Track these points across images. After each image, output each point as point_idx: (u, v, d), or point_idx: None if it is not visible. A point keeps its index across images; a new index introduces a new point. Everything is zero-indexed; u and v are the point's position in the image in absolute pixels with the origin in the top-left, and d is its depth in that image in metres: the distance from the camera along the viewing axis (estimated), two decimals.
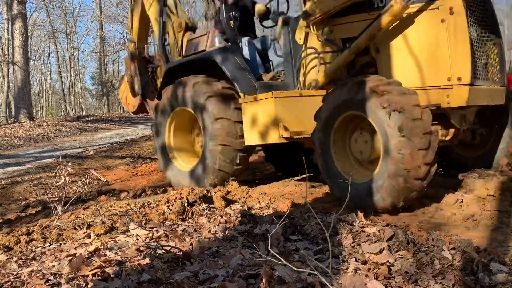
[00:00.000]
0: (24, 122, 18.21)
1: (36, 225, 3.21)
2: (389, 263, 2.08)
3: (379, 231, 2.41)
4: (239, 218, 2.99)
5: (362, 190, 3.26)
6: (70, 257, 2.30)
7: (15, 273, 2.19)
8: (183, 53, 5.16)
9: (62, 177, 5.60)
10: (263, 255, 2.16)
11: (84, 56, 51.44)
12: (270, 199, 3.98)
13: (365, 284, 1.83)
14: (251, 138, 4.27)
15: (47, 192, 4.96)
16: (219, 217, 3.13)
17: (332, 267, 1.98)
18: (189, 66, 4.78)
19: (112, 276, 1.98)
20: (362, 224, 2.59)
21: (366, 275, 1.96)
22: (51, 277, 2.05)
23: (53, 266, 2.22)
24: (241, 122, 4.36)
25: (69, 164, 7.21)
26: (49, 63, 44.86)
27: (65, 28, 38.40)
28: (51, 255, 2.45)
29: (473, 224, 3.24)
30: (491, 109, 3.89)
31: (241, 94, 4.40)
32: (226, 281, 1.88)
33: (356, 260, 2.17)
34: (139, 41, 6.28)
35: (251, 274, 1.95)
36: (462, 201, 3.60)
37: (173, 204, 3.34)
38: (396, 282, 1.91)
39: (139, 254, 2.31)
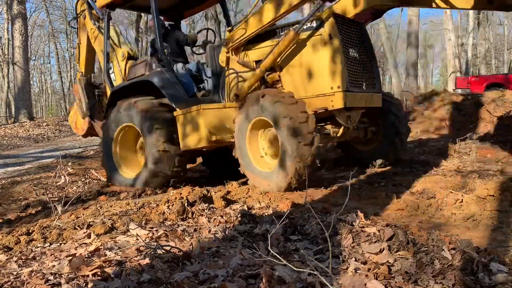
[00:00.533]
0: (24, 122, 18.21)
1: (36, 225, 3.21)
2: (389, 263, 2.08)
3: (379, 231, 2.41)
4: (239, 218, 2.99)
5: (268, 175, 4.32)
6: (70, 257, 2.30)
7: (15, 273, 2.19)
8: (126, 78, 5.92)
9: (62, 177, 5.60)
10: (263, 255, 2.16)
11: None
12: (270, 199, 3.98)
13: (365, 284, 1.83)
14: (185, 143, 5.02)
15: (47, 192, 4.96)
16: (219, 217, 3.13)
17: (332, 267, 1.98)
18: (131, 88, 5.53)
19: (112, 276, 1.98)
20: (362, 224, 2.59)
21: (366, 275, 1.96)
22: (51, 277, 2.05)
23: (53, 266, 2.22)
24: (176, 131, 5.09)
25: (69, 164, 7.21)
26: (49, 63, 44.89)
27: (65, 28, 38.38)
28: (51, 255, 2.45)
29: (473, 224, 3.25)
30: (378, 110, 4.94)
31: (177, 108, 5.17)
32: (226, 281, 1.88)
33: (356, 260, 2.17)
34: (86, 71, 7.15)
35: (251, 274, 1.94)
36: (462, 201, 3.60)
37: (173, 204, 3.34)
38: (396, 282, 1.91)
39: (139, 254, 2.31)
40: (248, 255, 2.24)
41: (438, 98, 9.95)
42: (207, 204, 3.43)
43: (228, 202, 3.66)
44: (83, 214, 3.56)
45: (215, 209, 3.39)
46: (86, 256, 2.33)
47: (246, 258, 2.18)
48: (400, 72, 21.23)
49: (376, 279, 1.93)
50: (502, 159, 5.48)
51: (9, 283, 2.04)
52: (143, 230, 2.81)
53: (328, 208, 3.45)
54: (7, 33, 21.58)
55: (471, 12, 29.75)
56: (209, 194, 3.66)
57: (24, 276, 2.12)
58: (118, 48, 6.21)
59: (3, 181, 6.78)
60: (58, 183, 5.72)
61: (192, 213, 3.27)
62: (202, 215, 3.22)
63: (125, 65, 5.99)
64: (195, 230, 2.87)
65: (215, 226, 2.89)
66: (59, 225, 3.12)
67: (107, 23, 6.01)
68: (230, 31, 5.06)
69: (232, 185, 4.57)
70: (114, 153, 5.55)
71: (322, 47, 4.31)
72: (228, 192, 4.32)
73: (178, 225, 3.00)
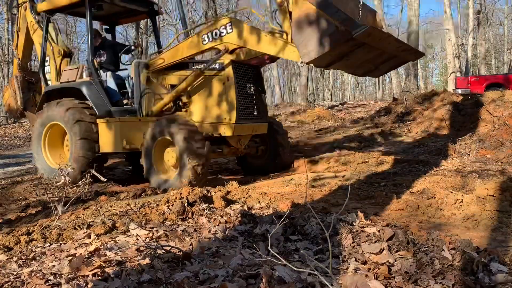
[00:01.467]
0: (24, 122, 18.20)
1: (36, 225, 3.21)
2: (389, 263, 2.08)
3: (379, 231, 2.41)
4: (239, 218, 2.99)
5: (172, 182, 5.13)
6: (70, 257, 2.30)
7: (15, 273, 2.19)
8: (60, 78, 6.54)
9: (62, 177, 5.59)
10: (263, 255, 2.16)
11: (84, 56, 51.37)
12: (270, 199, 3.98)
13: (366, 284, 1.83)
14: (104, 147, 5.95)
15: (47, 192, 4.96)
16: (219, 217, 3.12)
17: (332, 267, 1.98)
18: (63, 91, 6.35)
19: (112, 276, 1.98)
20: (362, 224, 2.59)
21: (366, 275, 1.96)
22: (51, 277, 2.05)
23: (53, 266, 2.22)
24: (97, 135, 5.96)
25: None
26: None
27: (65, 28, 38.37)
28: (51, 255, 2.45)
29: (473, 224, 3.25)
30: (266, 133, 6.09)
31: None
32: (226, 281, 1.88)
33: (356, 260, 2.17)
34: (23, 58, 7.50)
35: (251, 274, 1.94)
36: (462, 201, 3.60)
37: (173, 204, 3.34)
38: (396, 282, 1.91)
39: (139, 254, 2.31)
40: (248, 255, 2.24)
41: (438, 98, 9.96)
42: (207, 204, 3.43)
43: (228, 202, 3.65)
44: (83, 214, 3.56)
45: (215, 209, 3.39)
46: (86, 256, 2.33)
47: (246, 258, 2.18)
48: (400, 72, 21.24)
49: (376, 279, 1.93)
50: (502, 159, 5.48)
51: (9, 283, 2.04)
52: (143, 230, 2.81)
53: (328, 208, 3.46)
54: (7, 33, 21.58)
55: (471, 12, 29.76)
56: (209, 194, 3.66)
57: (24, 276, 2.12)
58: (56, 45, 6.70)
59: (3, 181, 6.77)
60: (58, 183, 5.72)
61: (192, 213, 3.26)
62: (202, 215, 3.22)
63: (61, 62, 6.62)
64: (195, 230, 2.86)
65: (215, 226, 2.89)
66: (59, 225, 3.12)
67: (46, 27, 6.58)
68: (159, 52, 6.16)
69: (232, 185, 4.57)
70: (43, 146, 6.43)
71: (221, 86, 5.37)
72: (228, 192, 4.32)
73: (178, 225, 3.00)
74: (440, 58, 54.47)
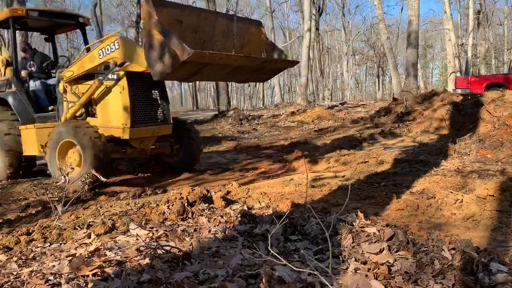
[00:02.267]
0: None
1: (36, 225, 3.21)
2: (389, 263, 2.08)
3: (379, 231, 2.41)
4: (239, 218, 2.99)
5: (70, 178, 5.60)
6: (70, 257, 2.31)
7: (15, 273, 2.19)
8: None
9: (62, 177, 5.60)
10: (263, 255, 2.16)
11: None
12: (270, 199, 3.98)
13: (367, 283, 1.83)
14: (25, 150, 6.78)
15: (47, 192, 4.96)
16: (219, 217, 3.12)
17: (332, 267, 1.98)
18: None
19: (112, 276, 1.98)
20: (362, 224, 2.59)
21: (366, 275, 1.96)
22: (51, 277, 2.05)
23: (53, 266, 2.22)
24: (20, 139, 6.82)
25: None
26: None
27: None
28: (51, 255, 2.45)
29: (473, 224, 3.25)
30: (182, 133, 6.75)
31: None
32: (226, 281, 1.88)
33: (356, 260, 2.17)
34: None
35: (251, 274, 1.94)
36: (462, 201, 3.60)
37: (173, 204, 3.33)
38: (396, 282, 1.91)
39: (139, 254, 2.31)
40: (248, 255, 2.24)
41: (438, 98, 9.96)
42: (207, 204, 3.42)
43: (228, 202, 3.65)
44: (83, 214, 3.56)
45: (215, 209, 3.39)
46: (86, 256, 2.33)
47: (246, 258, 2.18)
48: (400, 72, 21.25)
49: (376, 279, 1.93)
50: (502, 159, 5.48)
51: (9, 283, 2.04)
52: (143, 230, 2.81)
53: (328, 208, 3.46)
54: (7, 33, 21.55)
55: (471, 12, 29.76)
56: (209, 194, 3.66)
57: (24, 276, 2.12)
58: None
59: (3, 181, 6.77)
60: (58, 183, 5.72)
61: (192, 213, 3.26)
62: (202, 215, 3.22)
63: (5, 70, 7.21)
64: (195, 230, 2.86)
65: (215, 226, 2.89)
66: (59, 225, 3.12)
67: None
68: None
69: (232, 185, 4.57)
70: None
71: (118, 94, 5.92)
72: (228, 192, 4.32)
73: (178, 225, 3.00)
74: (440, 58, 54.47)
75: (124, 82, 5.87)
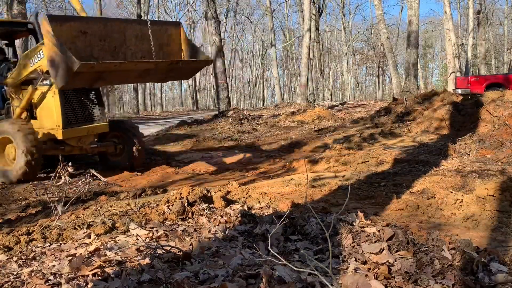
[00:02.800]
0: None
1: (36, 225, 3.21)
2: (389, 263, 2.08)
3: (379, 231, 2.41)
4: (239, 218, 2.99)
5: (11, 172, 6.22)
6: (70, 257, 2.30)
7: (15, 273, 2.19)
8: None
9: (62, 177, 5.59)
10: (263, 255, 2.16)
11: None
12: (270, 199, 3.98)
13: (367, 283, 1.83)
14: None
15: (47, 192, 4.96)
16: (219, 217, 3.12)
17: (332, 267, 1.98)
18: None
19: (112, 276, 1.98)
20: (362, 224, 2.59)
21: (366, 275, 1.96)
22: (51, 277, 2.05)
23: (53, 266, 2.22)
24: None
25: (69, 164, 7.21)
26: None
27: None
28: (51, 255, 2.45)
29: (473, 224, 3.25)
30: (122, 133, 7.23)
31: None
32: (226, 281, 1.88)
33: (356, 260, 2.17)
34: None
35: (251, 274, 1.94)
36: (462, 201, 3.60)
37: (173, 204, 3.33)
38: (396, 282, 1.91)
39: (139, 254, 2.31)
40: (248, 255, 2.24)
41: (438, 98, 9.96)
42: (207, 204, 3.42)
43: (228, 202, 3.65)
44: (83, 214, 3.56)
45: (215, 209, 3.39)
46: (86, 256, 2.33)
47: (246, 258, 2.18)
48: (400, 72, 21.25)
49: (376, 279, 1.93)
50: (502, 159, 5.48)
51: (9, 283, 2.04)
52: (143, 230, 2.81)
53: (328, 208, 3.46)
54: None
55: (471, 12, 29.77)
56: (209, 194, 3.65)
57: (24, 276, 2.12)
58: None
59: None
60: (58, 183, 5.72)
61: (192, 213, 3.26)
62: (202, 215, 3.22)
63: None
64: (195, 230, 2.86)
65: (215, 226, 2.89)
66: (59, 225, 3.12)
67: None
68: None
69: (232, 185, 4.57)
70: None
71: (51, 98, 6.40)
72: (228, 192, 4.32)
73: (178, 225, 2.99)
74: (440, 58, 54.47)
75: (54, 87, 6.26)
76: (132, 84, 35.74)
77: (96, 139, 6.90)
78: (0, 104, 7.21)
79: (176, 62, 5.69)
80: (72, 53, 4.72)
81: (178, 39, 6.11)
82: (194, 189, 3.66)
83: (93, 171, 6.65)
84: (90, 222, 3.12)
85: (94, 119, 6.81)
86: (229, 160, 8.09)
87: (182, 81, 50.33)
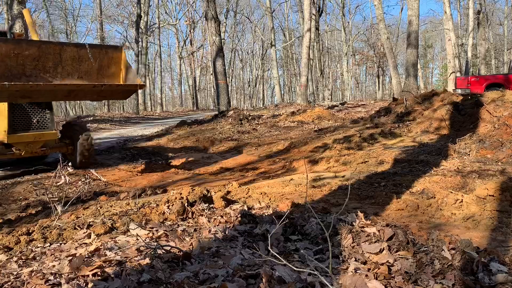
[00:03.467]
0: None
1: (36, 225, 3.21)
2: (389, 263, 2.08)
3: (379, 231, 2.41)
4: (239, 218, 2.99)
5: None
6: (70, 257, 2.31)
7: (15, 273, 2.19)
8: None
9: (62, 177, 5.60)
10: (263, 255, 2.16)
11: None
12: (270, 199, 3.98)
13: (365, 284, 1.83)
14: None
15: (47, 192, 4.96)
16: (219, 217, 3.12)
17: (332, 267, 1.98)
18: None
19: (112, 276, 1.98)
20: (362, 224, 2.59)
21: (366, 275, 1.96)
22: (51, 277, 2.05)
23: (53, 266, 2.22)
24: None
25: (69, 164, 7.23)
26: None
27: (65, 28, 38.44)
28: (51, 255, 2.45)
29: (473, 224, 3.25)
30: (72, 135, 7.54)
31: None
32: (226, 281, 1.88)
33: (356, 260, 2.17)
34: None
35: (251, 274, 1.94)
36: (462, 201, 3.60)
37: (173, 204, 3.34)
38: (396, 282, 1.91)
39: (139, 254, 2.31)
40: (248, 255, 2.24)
41: (438, 98, 9.95)
42: (207, 204, 3.43)
43: (228, 202, 3.65)
44: (83, 214, 3.56)
45: (215, 209, 3.39)
46: (86, 256, 2.33)
47: (246, 258, 2.19)
48: (400, 72, 21.25)
49: (376, 279, 1.93)
50: (502, 159, 5.48)
51: (9, 283, 2.04)
52: (143, 230, 2.81)
53: (328, 208, 3.46)
54: (7, 33, 21.56)
55: (471, 12, 29.77)
56: (209, 194, 3.65)
57: (24, 276, 2.12)
58: None
59: (3, 181, 6.78)
60: (58, 183, 5.73)
61: (192, 213, 3.26)
62: (202, 215, 3.22)
63: None
64: (195, 230, 2.87)
65: (215, 226, 2.89)
66: (59, 225, 3.12)
67: None
68: None
69: (232, 185, 4.57)
70: None
71: (1, 105, 6.55)
72: (228, 192, 4.32)
73: (178, 225, 3.00)
74: (440, 58, 54.46)
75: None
76: None
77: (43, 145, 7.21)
78: None
79: (101, 85, 6.13)
80: (1, 70, 5.46)
81: (117, 62, 6.62)
82: (194, 189, 3.67)
83: (93, 171, 6.65)
84: (90, 222, 3.12)
85: (42, 126, 7.12)
86: (229, 161, 8.09)
87: (182, 81, 50.37)
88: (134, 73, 6.78)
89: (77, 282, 1.97)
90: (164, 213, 3.28)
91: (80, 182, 5.90)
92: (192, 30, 42.67)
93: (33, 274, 2.13)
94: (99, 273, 2.02)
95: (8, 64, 5.72)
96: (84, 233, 2.88)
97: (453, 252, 2.11)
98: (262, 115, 16.11)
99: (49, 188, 5.63)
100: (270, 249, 2.08)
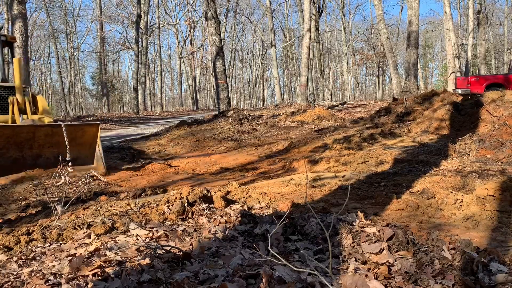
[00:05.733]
0: None
1: (36, 225, 3.21)
2: (389, 263, 2.08)
3: (379, 231, 2.41)
4: (239, 218, 2.99)
5: None
6: (70, 257, 2.30)
7: (15, 273, 2.19)
8: None
9: (62, 177, 5.60)
10: (263, 255, 2.16)
11: (84, 56, 51.50)
12: (270, 199, 3.98)
13: (366, 284, 1.83)
14: None
15: (47, 192, 4.96)
16: (219, 217, 3.12)
17: (332, 267, 1.98)
18: None
19: (112, 276, 1.98)
20: (362, 224, 2.59)
21: (366, 275, 1.96)
22: (51, 277, 2.05)
23: (53, 266, 2.22)
24: None
25: (69, 164, 7.23)
26: (49, 63, 44.94)
27: (65, 28, 38.44)
28: (51, 255, 2.45)
29: (473, 224, 3.25)
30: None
31: None
32: (226, 281, 1.88)
33: (356, 260, 2.17)
34: None
35: (251, 274, 1.94)
36: (462, 201, 3.60)
37: (173, 204, 3.33)
38: (396, 282, 1.91)
39: (139, 254, 2.31)
40: (248, 255, 2.24)
41: (438, 98, 9.96)
42: (207, 204, 3.42)
43: (228, 202, 3.65)
44: (83, 214, 3.56)
45: (215, 209, 3.39)
46: (86, 256, 2.33)
47: (246, 258, 2.19)
48: (400, 72, 21.25)
49: (376, 279, 1.93)
50: (502, 159, 5.48)
51: (9, 283, 2.04)
52: (143, 230, 2.81)
53: (328, 208, 3.46)
54: (7, 33, 21.58)
55: (471, 12, 29.78)
56: (209, 194, 3.65)
57: (24, 276, 2.12)
58: None
59: (3, 181, 6.77)
60: (58, 183, 5.72)
61: (192, 213, 3.26)
62: (202, 215, 3.22)
63: None
64: (195, 230, 2.87)
65: (215, 226, 2.89)
66: (59, 225, 3.12)
67: None
68: None
69: (232, 185, 4.57)
70: None
71: None
72: (228, 192, 4.32)
73: (178, 225, 3.00)
74: (440, 58, 54.46)
75: None
76: (132, 84, 35.70)
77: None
78: None
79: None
80: None
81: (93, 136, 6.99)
82: (194, 189, 3.66)
83: (93, 171, 6.65)
84: (90, 222, 3.12)
85: None
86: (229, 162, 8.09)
87: (182, 81, 50.38)
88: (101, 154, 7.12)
89: (77, 282, 1.97)
90: (164, 213, 3.28)
91: (80, 182, 5.90)
92: (192, 30, 42.68)
93: (33, 274, 2.13)
94: (99, 273, 2.02)
95: None
96: (84, 233, 2.88)
97: (453, 252, 2.11)
98: (262, 115, 16.11)
99: (49, 188, 5.63)
100: (270, 249, 2.08)
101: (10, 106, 7.29)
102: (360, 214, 2.71)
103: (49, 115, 7.86)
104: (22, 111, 7.41)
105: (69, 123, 7.05)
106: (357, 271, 2.02)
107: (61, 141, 6.70)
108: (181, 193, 3.54)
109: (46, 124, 7.07)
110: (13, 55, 8.86)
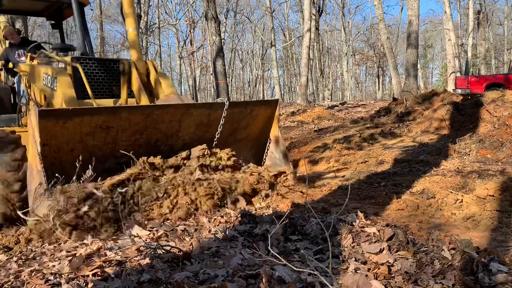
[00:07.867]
0: None
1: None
2: (389, 263, 2.08)
3: (379, 231, 2.41)
4: (239, 218, 2.99)
5: None
6: (70, 257, 2.30)
7: (15, 273, 2.19)
8: None
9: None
10: (263, 255, 2.16)
11: None
12: (270, 199, 3.97)
13: (368, 282, 1.83)
14: None
15: None
16: (219, 217, 3.12)
17: (332, 267, 1.98)
18: None
19: (112, 276, 1.98)
20: (362, 224, 2.59)
21: (366, 275, 1.96)
22: (51, 277, 2.05)
23: (53, 266, 2.22)
24: None
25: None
26: None
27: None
28: (51, 255, 2.45)
29: (473, 224, 3.25)
30: None
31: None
32: (226, 281, 1.88)
33: (356, 260, 2.17)
34: None
35: (251, 274, 1.94)
36: (462, 201, 3.60)
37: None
38: (396, 282, 1.91)
39: (139, 254, 2.31)
40: (248, 255, 2.24)
41: (438, 98, 9.95)
42: None
43: None
44: None
45: None
46: (86, 256, 2.33)
47: (246, 258, 2.18)
48: (400, 72, 21.27)
49: (376, 279, 1.93)
50: (502, 159, 5.48)
51: (9, 283, 2.04)
52: (143, 230, 2.81)
53: (328, 208, 3.46)
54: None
55: (471, 12, 29.78)
56: None
57: (24, 276, 2.12)
58: None
59: None
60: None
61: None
62: (202, 215, 3.22)
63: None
64: (195, 230, 2.87)
65: (215, 226, 2.89)
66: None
67: None
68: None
69: None
70: None
71: None
72: None
73: (178, 225, 3.00)
74: (440, 58, 54.49)
75: None
76: None
77: None
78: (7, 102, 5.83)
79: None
80: None
81: None
82: None
83: (91, 171, 6.62)
84: None
85: None
86: None
87: (182, 81, 50.37)
88: None
89: (77, 282, 1.97)
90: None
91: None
92: (192, 30, 42.65)
93: (33, 274, 2.13)
94: (99, 273, 2.02)
95: None
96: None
97: (453, 252, 2.11)
98: None
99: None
100: (270, 249, 2.08)
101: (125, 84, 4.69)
102: (360, 214, 2.71)
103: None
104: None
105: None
106: (357, 271, 2.02)
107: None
108: None
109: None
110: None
